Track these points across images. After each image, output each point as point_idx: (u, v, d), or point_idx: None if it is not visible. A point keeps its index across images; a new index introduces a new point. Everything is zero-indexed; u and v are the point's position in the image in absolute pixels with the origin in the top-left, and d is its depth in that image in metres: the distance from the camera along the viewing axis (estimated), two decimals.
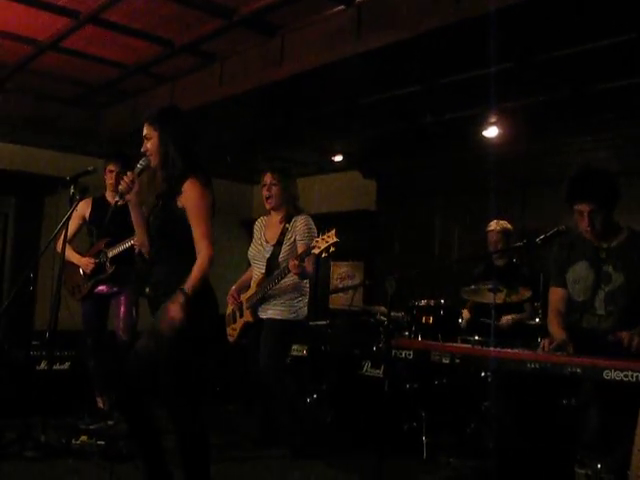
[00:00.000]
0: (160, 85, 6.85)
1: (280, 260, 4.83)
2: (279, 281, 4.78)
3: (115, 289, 5.44)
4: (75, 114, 7.63)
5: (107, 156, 5.51)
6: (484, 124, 6.57)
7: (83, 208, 5.37)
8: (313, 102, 6.48)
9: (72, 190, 4.66)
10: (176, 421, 3.32)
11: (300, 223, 4.87)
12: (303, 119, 6.97)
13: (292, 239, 4.85)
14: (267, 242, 4.99)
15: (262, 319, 4.91)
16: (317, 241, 4.40)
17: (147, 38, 5.68)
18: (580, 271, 3.60)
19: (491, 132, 6.64)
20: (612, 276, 3.47)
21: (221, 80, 6.19)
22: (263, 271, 4.92)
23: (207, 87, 6.35)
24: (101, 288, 5.42)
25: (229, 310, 5.18)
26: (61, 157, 8.24)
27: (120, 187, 3.40)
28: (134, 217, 3.45)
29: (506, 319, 5.52)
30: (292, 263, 4.54)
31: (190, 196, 3.31)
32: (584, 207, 3.44)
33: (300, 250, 4.71)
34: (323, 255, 4.39)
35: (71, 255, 5.30)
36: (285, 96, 6.29)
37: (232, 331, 5.14)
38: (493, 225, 5.97)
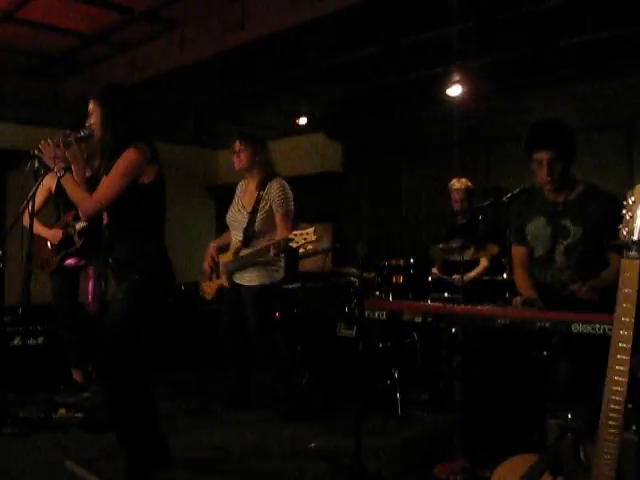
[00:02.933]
0: (120, 53, 6.75)
1: (256, 229, 4.87)
2: (255, 258, 4.85)
3: (83, 262, 5.42)
4: (35, 86, 7.48)
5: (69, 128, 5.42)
6: (448, 83, 6.59)
7: (49, 181, 5.28)
8: (276, 66, 6.45)
9: (36, 164, 4.60)
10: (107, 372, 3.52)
11: (274, 189, 4.89)
12: (266, 83, 6.93)
13: (267, 206, 4.87)
14: (243, 207, 5.02)
15: (238, 285, 4.98)
16: (295, 234, 4.45)
17: (105, 5, 5.57)
18: (538, 227, 3.67)
19: (455, 91, 6.65)
20: (570, 230, 3.53)
21: (182, 47, 6.12)
22: (241, 239, 4.95)
23: (168, 54, 6.27)
24: (70, 261, 5.40)
25: (205, 267, 5.21)
26: (22, 130, 8.10)
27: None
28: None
29: (467, 277, 5.60)
30: (273, 252, 4.63)
31: (120, 160, 3.44)
32: (543, 155, 3.49)
33: (277, 219, 4.82)
34: (300, 250, 4.53)
35: (39, 229, 5.25)
36: (247, 61, 6.25)
37: (208, 288, 5.22)
38: (455, 183, 6.03)
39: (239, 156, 4.99)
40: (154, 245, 3.60)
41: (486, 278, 5.65)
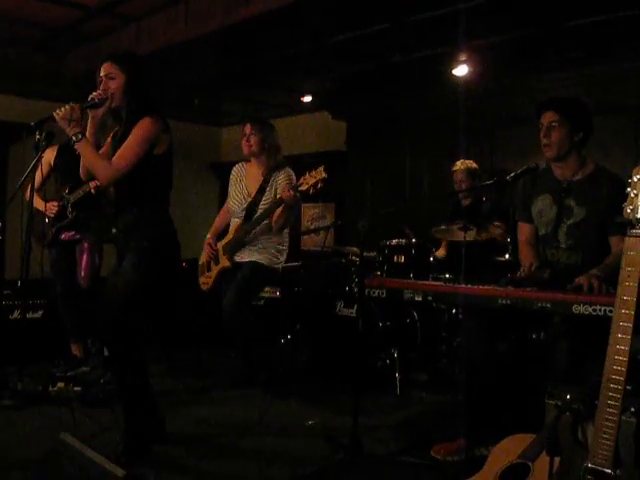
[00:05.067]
0: (124, 26, 6.67)
1: (259, 208, 4.83)
2: (258, 224, 4.79)
3: (78, 236, 5.41)
4: (38, 58, 7.42)
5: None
6: (454, 62, 6.53)
7: (49, 155, 5.30)
8: (281, 42, 6.36)
9: (37, 136, 4.55)
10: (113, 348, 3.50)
11: (282, 178, 4.86)
12: (271, 59, 6.85)
13: (273, 192, 4.84)
14: (248, 194, 4.97)
15: (239, 264, 4.94)
16: (305, 178, 4.38)
17: None
18: (543, 204, 3.64)
19: (461, 70, 6.60)
20: (574, 210, 3.49)
21: (187, 20, 6.05)
22: (242, 218, 4.92)
23: (172, 27, 6.20)
24: (64, 235, 5.40)
25: (203, 259, 5.17)
26: (24, 103, 8.05)
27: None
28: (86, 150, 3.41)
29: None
30: (287, 193, 4.53)
31: (136, 128, 3.37)
32: (546, 117, 3.48)
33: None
34: (311, 191, 4.38)
35: (38, 202, 5.25)
36: (252, 36, 6.17)
37: (206, 279, 5.15)
38: (458, 165, 6.01)
39: (249, 140, 4.95)
40: (162, 215, 3.58)
41: (489, 259, 5.61)
